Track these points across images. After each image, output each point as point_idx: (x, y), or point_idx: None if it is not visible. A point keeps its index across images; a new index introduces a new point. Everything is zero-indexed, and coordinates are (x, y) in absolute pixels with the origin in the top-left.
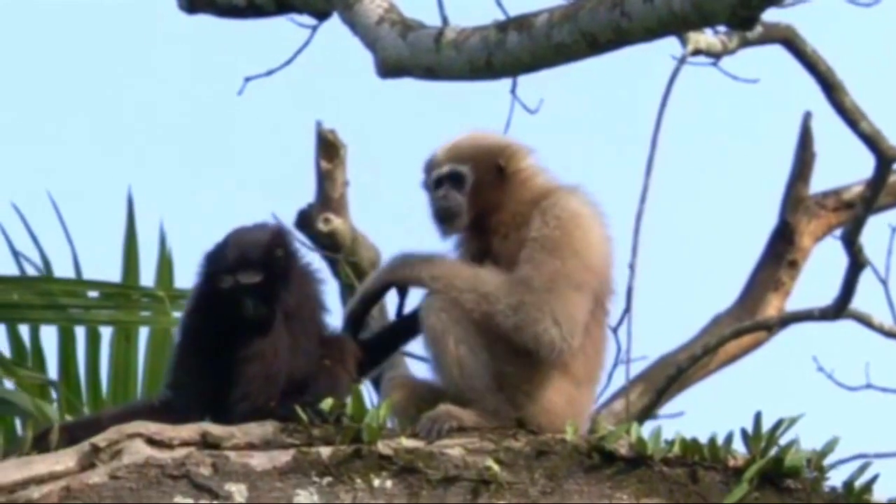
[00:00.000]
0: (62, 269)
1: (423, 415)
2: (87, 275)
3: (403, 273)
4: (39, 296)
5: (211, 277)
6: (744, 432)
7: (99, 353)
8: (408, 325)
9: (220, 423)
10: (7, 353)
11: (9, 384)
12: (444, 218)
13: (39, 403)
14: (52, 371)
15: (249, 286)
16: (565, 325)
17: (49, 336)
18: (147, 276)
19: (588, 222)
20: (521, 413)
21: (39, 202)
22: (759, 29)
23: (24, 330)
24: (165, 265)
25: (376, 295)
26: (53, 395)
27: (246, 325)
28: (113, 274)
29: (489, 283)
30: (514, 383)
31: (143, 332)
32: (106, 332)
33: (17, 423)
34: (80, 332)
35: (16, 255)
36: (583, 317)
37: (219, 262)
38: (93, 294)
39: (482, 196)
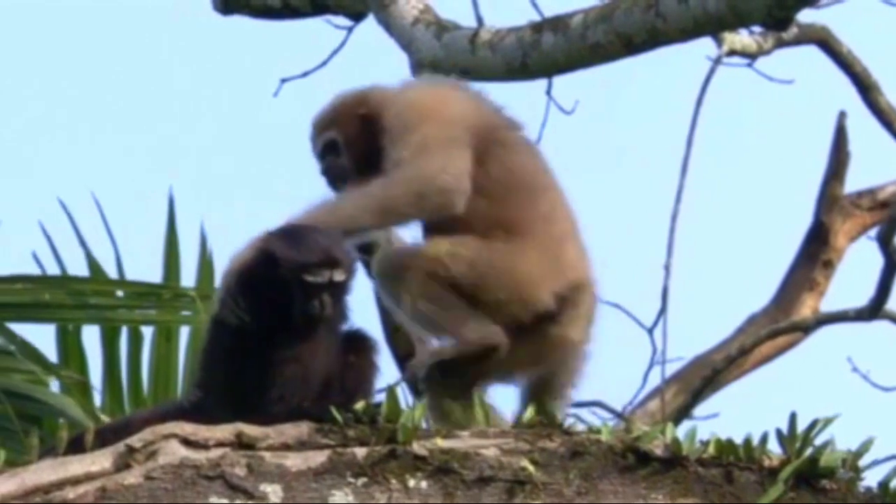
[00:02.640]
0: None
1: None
2: (128, 276)
3: None
4: (74, 295)
5: (299, 270)
6: (779, 433)
7: (141, 354)
8: None
9: (252, 424)
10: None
11: (53, 386)
12: (336, 185)
13: (78, 405)
14: (96, 372)
15: (337, 284)
16: (451, 170)
17: (91, 337)
18: (188, 277)
19: (427, 91)
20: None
21: (82, 202)
22: (794, 30)
23: (51, 329)
24: (206, 266)
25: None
26: (94, 396)
27: (288, 325)
28: (154, 275)
29: (370, 189)
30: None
31: (184, 332)
32: (146, 333)
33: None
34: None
35: (38, 257)
36: (464, 164)
37: (312, 256)
38: (119, 293)
39: (360, 150)
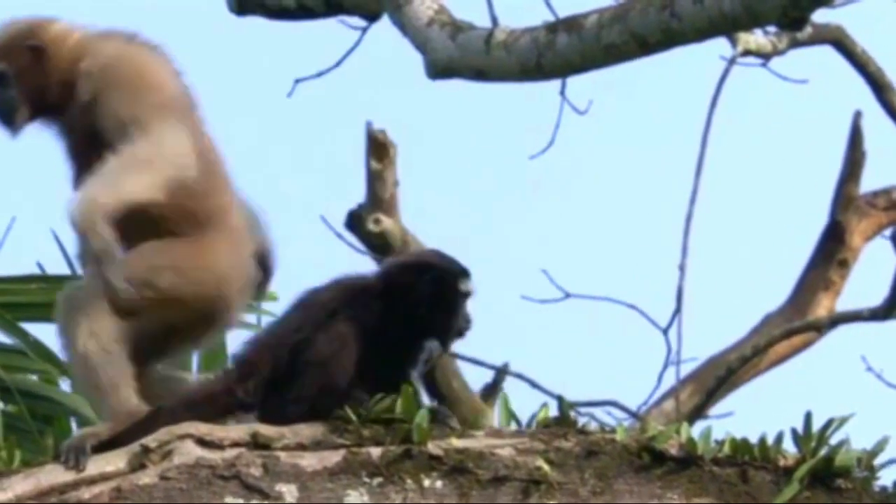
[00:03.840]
0: None
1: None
2: None
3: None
4: None
5: (453, 278)
6: (794, 432)
7: None
8: None
9: (265, 418)
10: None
11: (64, 386)
12: (3, 119)
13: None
14: None
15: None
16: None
17: None
18: None
19: (140, 54)
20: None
21: None
22: (808, 29)
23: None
24: None
25: None
26: None
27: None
28: None
29: (137, 160)
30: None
31: None
32: None
33: (73, 424)
34: None
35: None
36: (188, 141)
37: (462, 268)
38: None
39: (32, 83)
